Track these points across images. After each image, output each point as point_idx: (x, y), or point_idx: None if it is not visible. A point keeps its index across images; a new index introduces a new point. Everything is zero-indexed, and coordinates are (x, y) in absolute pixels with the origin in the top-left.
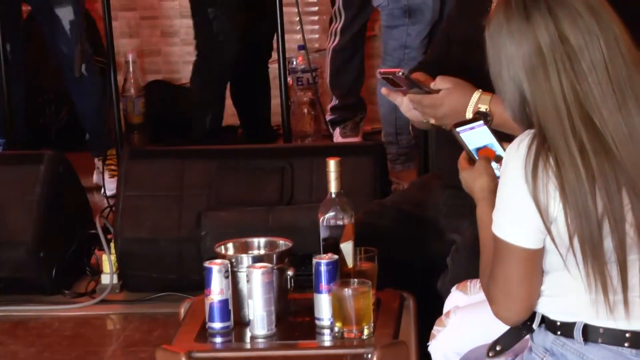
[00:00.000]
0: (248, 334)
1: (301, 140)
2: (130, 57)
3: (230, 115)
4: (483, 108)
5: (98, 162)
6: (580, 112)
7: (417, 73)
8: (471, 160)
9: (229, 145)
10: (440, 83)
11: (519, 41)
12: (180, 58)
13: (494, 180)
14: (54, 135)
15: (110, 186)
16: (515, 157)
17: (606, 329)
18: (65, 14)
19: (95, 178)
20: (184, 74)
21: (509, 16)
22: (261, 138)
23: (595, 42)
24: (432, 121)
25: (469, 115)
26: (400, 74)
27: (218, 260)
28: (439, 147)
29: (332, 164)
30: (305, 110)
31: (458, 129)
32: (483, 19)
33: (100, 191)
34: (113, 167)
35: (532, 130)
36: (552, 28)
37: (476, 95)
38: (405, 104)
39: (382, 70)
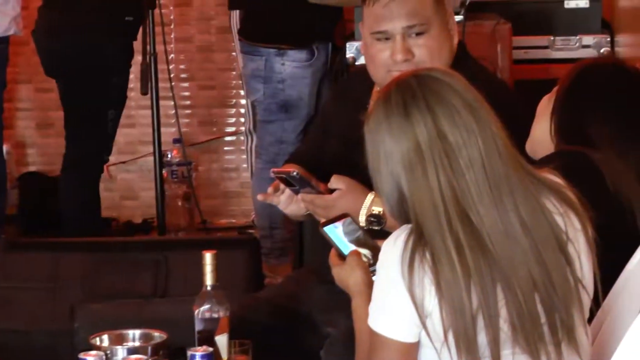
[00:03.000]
0: None
1: (175, 233)
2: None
3: (104, 208)
4: (376, 211)
5: None
6: (457, 209)
7: (294, 166)
8: (341, 257)
9: (103, 237)
10: (335, 183)
11: (398, 137)
12: (55, 150)
13: (368, 273)
14: None
15: None
16: (392, 252)
17: None
18: None
19: None
20: (59, 165)
21: (389, 112)
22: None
23: (473, 140)
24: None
25: (362, 217)
26: (294, 174)
27: (93, 352)
28: (314, 242)
29: (208, 257)
30: (180, 203)
31: (325, 228)
32: (361, 114)
33: None
34: None
35: (409, 225)
36: (430, 125)
37: (370, 197)
38: (282, 200)
39: (275, 169)
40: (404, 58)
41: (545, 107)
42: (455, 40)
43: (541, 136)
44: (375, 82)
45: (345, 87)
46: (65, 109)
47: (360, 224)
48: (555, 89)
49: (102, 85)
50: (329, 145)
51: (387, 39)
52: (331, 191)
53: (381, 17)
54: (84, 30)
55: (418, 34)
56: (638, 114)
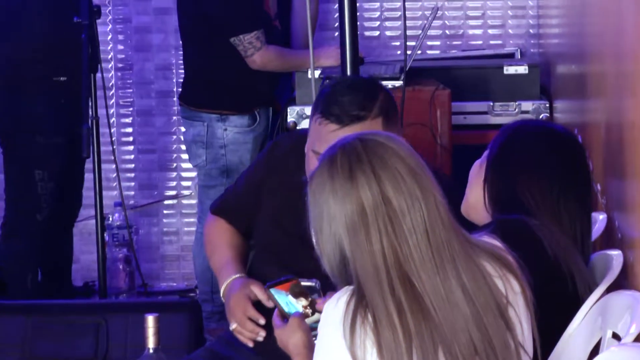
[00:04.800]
0: None
1: (116, 296)
2: None
3: None
4: None
5: None
6: (400, 273)
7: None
8: (284, 317)
9: (43, 300)
10: None
11: (342, 200)
12: None
13: (309, 335)
14: None
15: None
16: (333, 313)
17: None
18: None
19: None
20: None
21: (334, 174)
22: (63, 294)
23: (417, 206)
24: None
25: None
26: (316, 285)
27: None
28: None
29: (150, 320)
30: (121, 267)
31: (272, 289)
32: (296, 186)
33: None
34: None
35: (351, 287)
36: (376, 189)
37: None
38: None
39: (302, 280)
40: None
41: (477, 172)
42: None
43: (475, 202)
44: None
45: (279, 159)
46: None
47: None
48: (485, 153)
49: (25, 144)
50: (261, 213)
51: None
52: None
53: (324, 141)
54: (11, 86)
55: None
56: (566, 173)
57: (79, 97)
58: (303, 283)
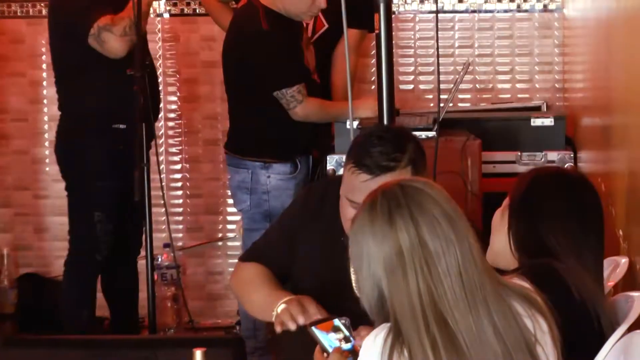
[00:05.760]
0: None
1: (164, 332)
2: (4, 251)
3: (98, 307)
4: None
5: None
6: (435, 312)
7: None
8: (326, 354)
9: (96, 335)
10: None
11: (381, 242)
12: (51, 253)
13: None
14: None
15: None
16: (371, 349)
17: None
18: None
19: None
20: (54, 267)
21: (374, 218)
22: (128, 330)
23: (451, 250)
24: None
25: None
26: (347, 322)
27: None
28: (292, 344)
29: (198, 355)
30: (169, 304)
31: (313, 327)
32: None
33: None
34: None
35: (388, 324)
36: (413, 233)
37: None
38: None
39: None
40: None
41: (499, 220)
42: None
43: (500, 248)
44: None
45: (313, 207)
46: None
47: None
48: (505, 202)
49: (87, 187)
50: (296, 261)
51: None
52: None
53: (357, 190)
54: (75, 134)
55: None
56: (585, 213)
57: (135, 144)
58: (338, 321)
